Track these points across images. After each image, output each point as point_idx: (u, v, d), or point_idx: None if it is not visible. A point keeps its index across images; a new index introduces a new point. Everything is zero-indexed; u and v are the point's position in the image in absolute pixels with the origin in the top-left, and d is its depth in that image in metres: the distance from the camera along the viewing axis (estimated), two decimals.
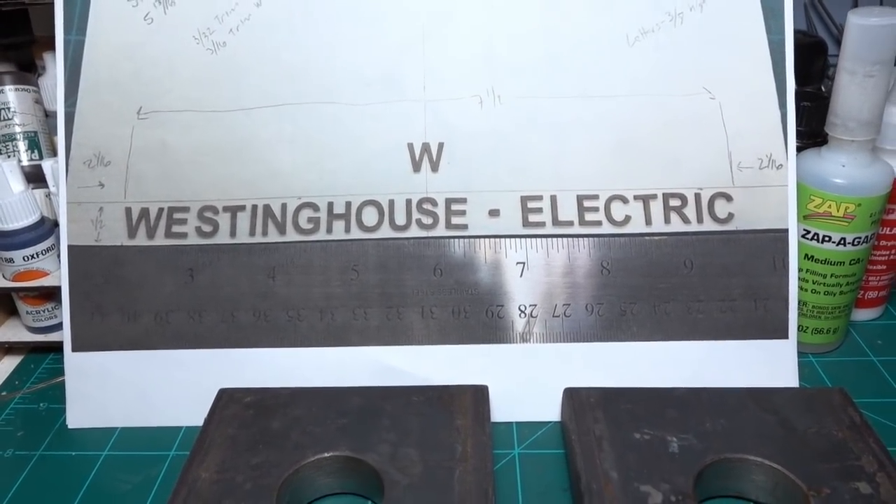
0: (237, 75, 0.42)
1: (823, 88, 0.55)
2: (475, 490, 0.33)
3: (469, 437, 0.37)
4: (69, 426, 0.42)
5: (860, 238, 0.42)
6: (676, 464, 0.35)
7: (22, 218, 0.44)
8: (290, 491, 0.35)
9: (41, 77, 0.52)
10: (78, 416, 0.42)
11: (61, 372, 0.43)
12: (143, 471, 0.39)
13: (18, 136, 0.49)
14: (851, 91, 0.40)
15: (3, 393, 0.45)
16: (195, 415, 0.39)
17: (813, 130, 0.47)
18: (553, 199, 0.42)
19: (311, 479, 0.36)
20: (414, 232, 0.42)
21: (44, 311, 0.47)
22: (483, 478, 0.34)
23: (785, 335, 0.42)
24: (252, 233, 0.42)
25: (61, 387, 0.43)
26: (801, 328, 0.45)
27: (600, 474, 0.34)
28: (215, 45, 0.42)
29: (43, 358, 0.48)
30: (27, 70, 0.52)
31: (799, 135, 0.45)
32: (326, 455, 0.36)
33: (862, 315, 0.49)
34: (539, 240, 0.42)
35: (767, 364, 0.42)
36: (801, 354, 0.44)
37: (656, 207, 0.42)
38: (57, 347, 0.45)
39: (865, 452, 0.35)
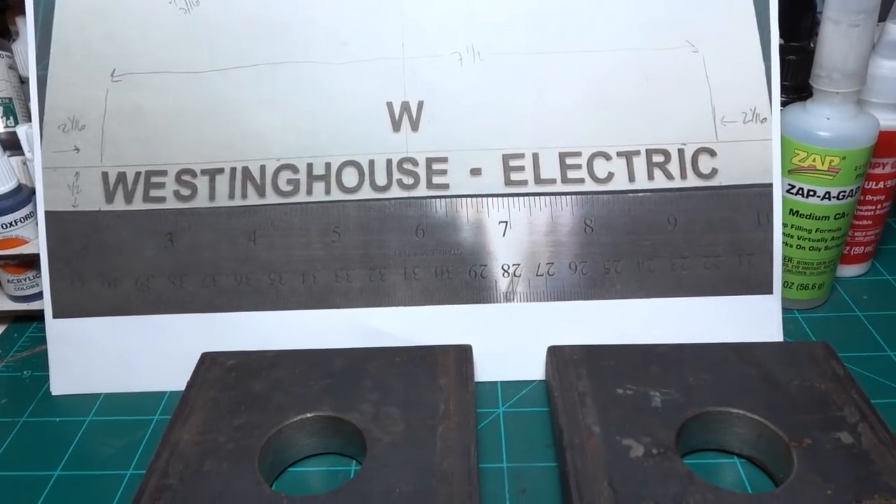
0: (211, 35, 0.41)
1: (812, 45, 0.54)
2: (458, 446, 0.33)
3: (452, 395, 0.36)
4: (53, 393, 0.42)
5: (845, 192, 0.42)
6: (659, 417, 0.35)
7: None
8: (272, 451, 0.35)
9: (15, 42, 0.51)
10: (61, 382, 0.42)
11: (44, 340, 0.43)
12: (127, 435, 0.39)
13: None
14: (836, 41, 0.39)
15: None
16: (178, 380, 0.39)
17: (798, 85, 0.46)
18: (535, 156, 0.41)
19: (294, 439, 0.36)
20: (395, 192, 0.42)
21: (25, 280, 0.47)
22: (466, 434, 0.34)
23: (769, 290, 0.42)
24: (231, 196, 0.42)
25: (45, 355, 0.43)
26: (786, 284, 0.45)
27: (583, 429, 0.34)
28: (188, 3, 0.41)
29: (27, 327, 0.48)
30: (0, 36, 0.51)
31: (784, 89, 0.45)
32: (309, 415, 0.36)
33: (848, 271, 0.49)
34: (521, 198, 0.41)
35: (752, 319, 0.42)
36: (786, 311, 0.44)
37: (639, 164, 0.41)
38: (40, 316, 0.45)
39: (848, 404, 0.35)
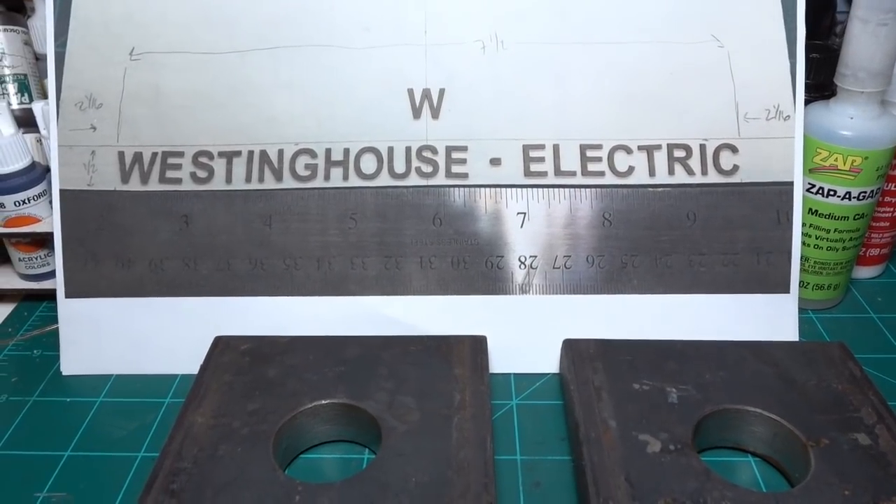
0: (231, 16, 0.41)
1: (832, 43, 0.54)
2: (473, 437, 0.33)
3: (467, 385, 0.36)
4: (63, 373, 0.42)
5: (865, 192, 0.42)
6: (675, 414, 0.35)
7: (13, 162, 0.43)
8: (287, 437, 0.35)
9: (31, 18, 0.50)
10: (72, 362, 0.42)
11: (55, 319, 0.43)
12: (139, 417, 0.39)
13: (8, 79, 0.48)
14: (863, 40, 0.39)
15: None
16: (191, 363, 0.39)
17: (821, 83, 0.46)
18: (556, 148, 0.41)
19: (309, 425, 0.36)
20: (413, 180, 0.41)
21: (36, 258, 0.46)
22: (481, 425, 0.34)
23: (786, 289, 0.41)
24: (248, 179, 0.41)
25: (55, 334, 0.43)
26: (802, 284, 0.45)
27: (599, 423, 0.34)
28: None
29: (37, 305, 0.48)
30: (16, 11, 0.50)
31: (807, 88, 0.44)
32: (324, 402, 0.36)
33: (863, 273, 0.49)
34: (541, 190, 0.41)
35: (768, 318, 0.41)
36: (801, 310, 0.44)
37: (660, 158, 0.41)
38: (50, 295, 0.45)
39: (865, 405, 0.35)
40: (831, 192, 0.42)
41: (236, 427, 0.34)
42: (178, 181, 0.41)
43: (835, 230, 0.43)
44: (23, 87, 0.48)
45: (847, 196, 0.42)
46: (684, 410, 0.35)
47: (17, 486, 0.35)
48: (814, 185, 0.42)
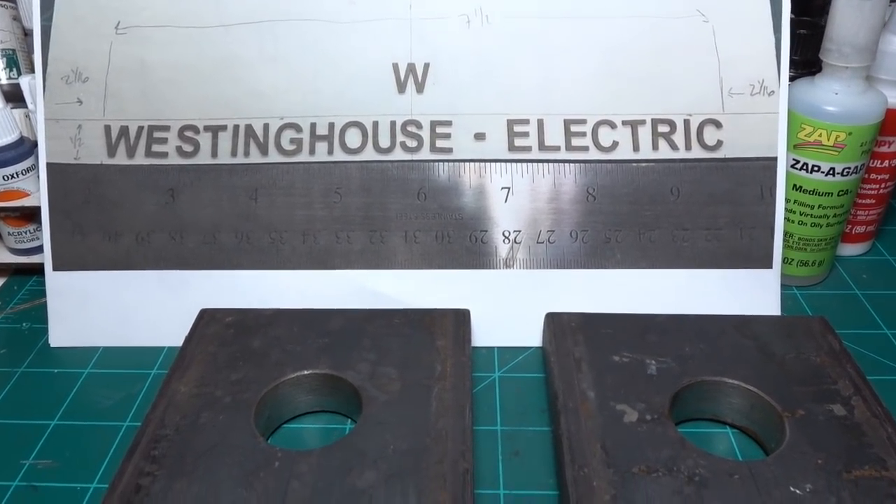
0: None
1: (825, 21, 0.54)
2: (453, 406, 0.34)
3: (449, 357, 0.37)
4: (51, 345, 0.42)
5: (849, 168, 0.42)
6: (654, 385, 0.35)
7: (1, 137, 0.44)
8: (269, 406, 0.35)
9: None
10: (60, 334, 0.42)
11: (44, 293, 0.43)
12: (125, 388, 0.39)
13: None
14: (848, 15, 0.39)
15: None
16: (176, 335, 0.39)
17: (808, 60, 0.46)
18: (540, 123, 0.41)
19: (291, 395, 0.36)
20: (398, 155, 0.41)
21: (26, 233, 0.47)
22: (461, 395, 0.34)
23: (769, 264, 0.42)
24: (234, 153, 0.42)
25: (44, 307, 0.43)
26: (786, 260, 0.45)
27: (577, 394, 0.34)
28: None
29: (26, 280, 0.48)
30: None
31: (794, 64, 0.44)
32: (306, 372, 0.36)
33: (849, 250, 0.49)
34: (525, 164, 0.41)
35: (750, 293, 0.42)
36: (785, 287, 0.44)
37: (644, 133, 0.41)
38: (40, 269, 0.45)
39: (842, 377, 0.35)
40: (815, 168, 0.42)
41: (219, 396, 0.35)
42: (164, 155, 0.42)
43: (819, 206, 0.43)
44: (11, 63, 0.48)
45: (831, 172, 0.42)
46: (662, 382, 0.35)
47: (4, 452, 0.35)
48: (798, 161, 0.42)
